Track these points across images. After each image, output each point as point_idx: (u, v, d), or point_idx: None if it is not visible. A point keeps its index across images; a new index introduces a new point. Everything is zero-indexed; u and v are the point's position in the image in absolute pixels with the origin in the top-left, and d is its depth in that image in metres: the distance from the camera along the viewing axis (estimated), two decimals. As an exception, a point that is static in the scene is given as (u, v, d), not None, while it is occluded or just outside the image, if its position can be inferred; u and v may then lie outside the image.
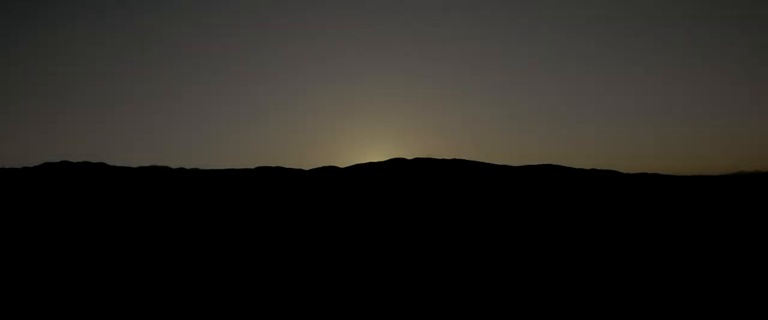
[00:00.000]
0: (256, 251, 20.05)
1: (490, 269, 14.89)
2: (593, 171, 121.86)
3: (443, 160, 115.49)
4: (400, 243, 22.18)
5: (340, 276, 14.67)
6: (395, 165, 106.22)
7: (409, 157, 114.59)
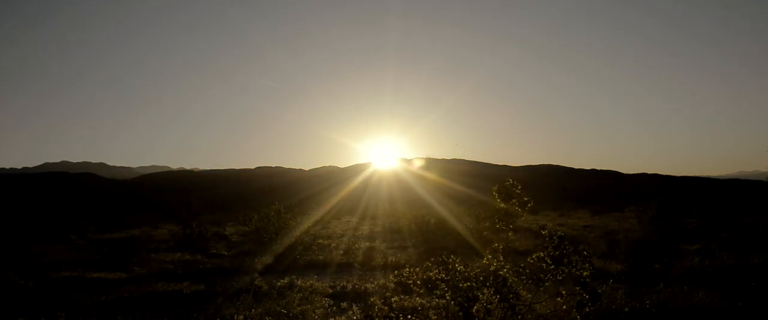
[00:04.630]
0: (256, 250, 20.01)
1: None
2: (593, 171, 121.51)
3: (443, 159, 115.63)
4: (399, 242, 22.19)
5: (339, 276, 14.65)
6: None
7: (409, 157, 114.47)
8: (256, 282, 12.31)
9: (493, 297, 6.47)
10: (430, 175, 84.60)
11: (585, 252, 6.54)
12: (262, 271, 14.61)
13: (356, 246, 19.71)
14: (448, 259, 6.57)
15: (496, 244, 7.10)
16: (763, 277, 10.63)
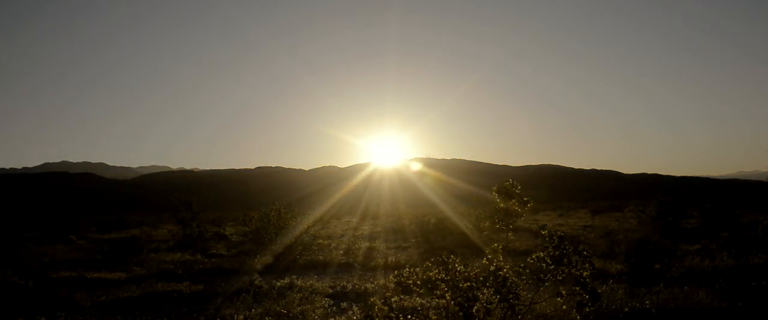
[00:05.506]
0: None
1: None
2: (593, 171, 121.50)
3: (443, 159, 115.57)
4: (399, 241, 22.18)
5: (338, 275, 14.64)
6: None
7: (410, 156, 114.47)
8: (255, 282, 12.30)
9: (493, 297, 6.46)
10: (431, 174, 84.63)
11: (585, 252, 6.52)
12: (262, 271, 14.59)
13: (356, 246, 19.70)
14: (448, 259, 6.56)
15: (496, 244, 7.09)
16: (763, 277, 10.63)
